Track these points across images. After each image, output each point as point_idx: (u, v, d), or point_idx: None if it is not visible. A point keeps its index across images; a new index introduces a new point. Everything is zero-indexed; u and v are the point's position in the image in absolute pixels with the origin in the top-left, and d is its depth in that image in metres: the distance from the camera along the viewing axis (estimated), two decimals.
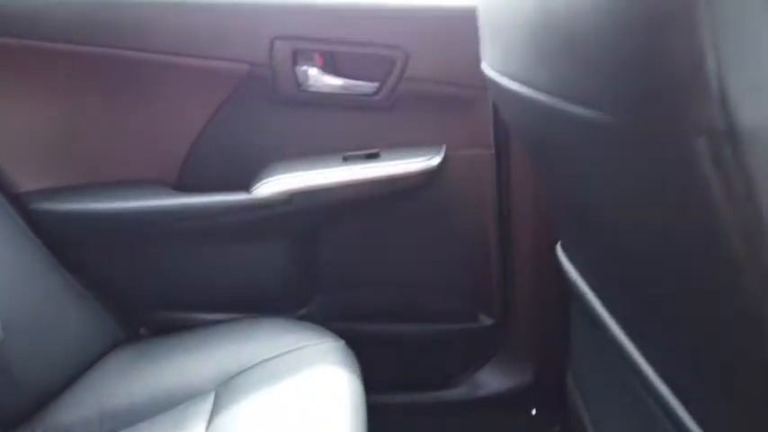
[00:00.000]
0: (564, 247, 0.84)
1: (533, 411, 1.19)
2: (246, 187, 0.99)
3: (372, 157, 1.00)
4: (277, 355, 0.89)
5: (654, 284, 0.50)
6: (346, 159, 1.00)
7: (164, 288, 1.09)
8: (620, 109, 0.39)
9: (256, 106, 1.00)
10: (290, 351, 0.89)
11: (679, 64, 0.33)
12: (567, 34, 0.42)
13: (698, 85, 0.32)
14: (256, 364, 0.88)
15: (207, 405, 0.83)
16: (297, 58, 0.97)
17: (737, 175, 0.33)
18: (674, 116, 0.34)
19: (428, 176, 0.99)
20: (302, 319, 1.09)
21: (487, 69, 0.66)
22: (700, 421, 0.51)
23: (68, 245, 1.01)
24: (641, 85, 0.36)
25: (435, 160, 0.99)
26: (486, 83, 0.69)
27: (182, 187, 1.03)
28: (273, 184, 0.97)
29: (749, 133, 0.32)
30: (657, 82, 0.35)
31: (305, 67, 0.98)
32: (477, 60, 0.72)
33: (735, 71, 0.32)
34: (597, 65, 0.39)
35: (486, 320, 1.13)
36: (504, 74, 0.58)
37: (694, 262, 0.40)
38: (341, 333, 0.97)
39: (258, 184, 0.98)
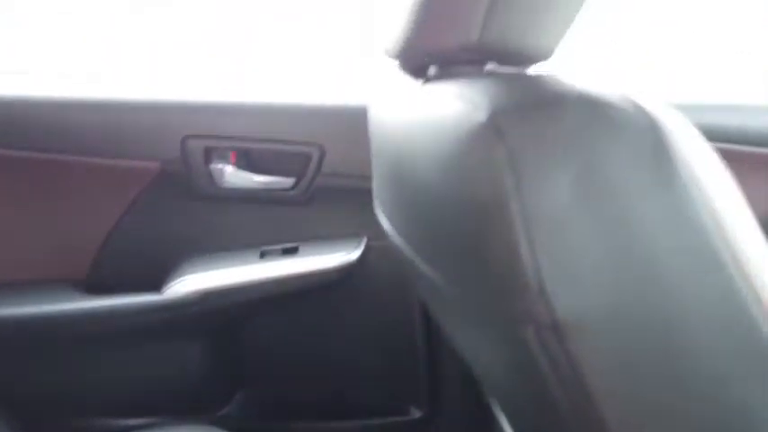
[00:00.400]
0: None
1: None
2: (159, 286, 0.96)
3: (290, 251, 0.99)
4: None
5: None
6: (264, 255, 0.98)
7: (75, 393, 1.03)
8: (460, 285, 0.38)
9: (169, 203, 0.98)
10: None
11: (498, 255, 0.33)
12: (414, 194, 0.42)
13: (517, 277, 0.32)
14: None
15: None
16: (210, 155, 0.96)
17: (565, 362, 0.33)
18: (502, 305, 0.34)
19: (348, 270, 0.98)
20: (223, 418, 1.05)
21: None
22: None
23: None
24: (473, 271, 0.36)
25: (355, 254, 0.98)
26: None
27: (92, 287, 0.99)
28: (187, 283, 0.94)
29: (571, 323, 0.32)
30: (485, 271, 0.35)
31: (219, 165, 0.97)
32: None
33: (550, 263, 0.32)
34: (437, 236, 0.39)
35: (415, 413, 1.10)
36: (378, 203, 0.58)
37: (538, 421, 0.40)
38: None
39: (171, 283, 0.95)
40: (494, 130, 0.34)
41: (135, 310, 0.96)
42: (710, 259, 0.33)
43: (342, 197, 0.99)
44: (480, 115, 0.35)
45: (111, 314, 0.96)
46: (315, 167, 0.97)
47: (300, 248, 0.99)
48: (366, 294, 1.02)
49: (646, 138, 0.33)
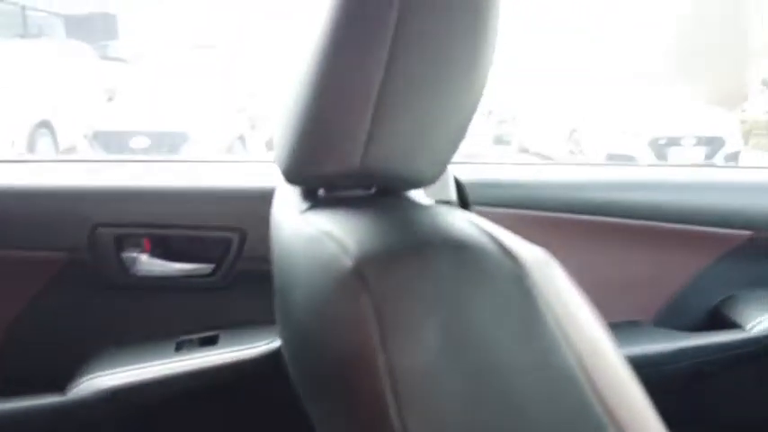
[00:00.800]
0: None
1: None
2: (64, 386, 0.88)
3: (209, 341, 0.93)
4: None
5: None
6: (179, 347, 0.92)
7: None
8: (331, 425, 0.37)
9: (77, 295, 0.93)
10: None
11: (365, 410, 0.32)
12: (291, 321, 0.43)
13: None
14: None
15: None
16: (122, 243, 0.92)
17: None
18: None
19: (272, 359, 0.93)
20: None
21: None
22: None
23: None
24: (342, 418, 0.36)
25: (278, 342, 0.93)
26: None
27: None
28: (93, 382, 0.87)
29: None
30: (353, 422, 0.35)
31: (132, 253, 0.93)
32: None
33: (418, 420, 0.31)
34: (310, 368, 0.38)
35: None
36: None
37: None
38: None
39: (76, 382, 0.88)
40: (359, 279, 0.34)
41: (35, 413, 0.87)
42: (577, 403, 0.34)
43: (264, 282, 0.95)
44: (347, 262, 0.36)
45: (8, 420, 0.87)
46: (235, 252, 0.93)
47: (220, 338, 0.94)
48: (291, 384, 0.97)
49: (512, 285, 0.34)
